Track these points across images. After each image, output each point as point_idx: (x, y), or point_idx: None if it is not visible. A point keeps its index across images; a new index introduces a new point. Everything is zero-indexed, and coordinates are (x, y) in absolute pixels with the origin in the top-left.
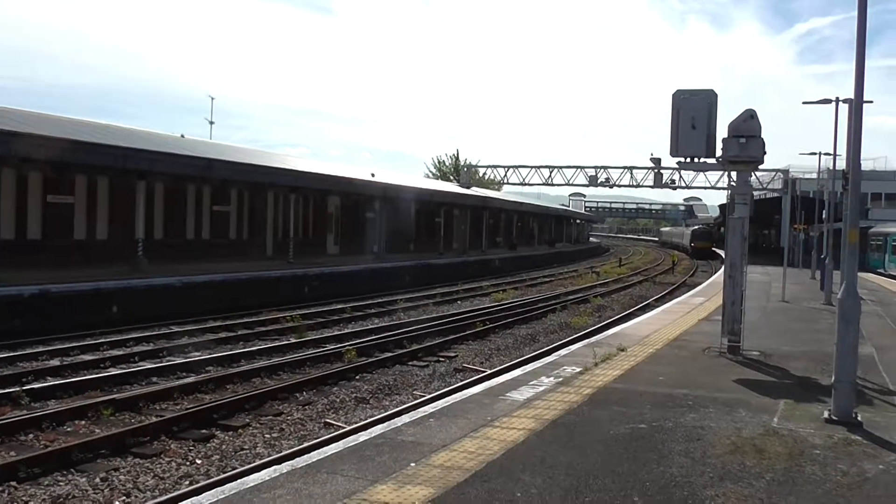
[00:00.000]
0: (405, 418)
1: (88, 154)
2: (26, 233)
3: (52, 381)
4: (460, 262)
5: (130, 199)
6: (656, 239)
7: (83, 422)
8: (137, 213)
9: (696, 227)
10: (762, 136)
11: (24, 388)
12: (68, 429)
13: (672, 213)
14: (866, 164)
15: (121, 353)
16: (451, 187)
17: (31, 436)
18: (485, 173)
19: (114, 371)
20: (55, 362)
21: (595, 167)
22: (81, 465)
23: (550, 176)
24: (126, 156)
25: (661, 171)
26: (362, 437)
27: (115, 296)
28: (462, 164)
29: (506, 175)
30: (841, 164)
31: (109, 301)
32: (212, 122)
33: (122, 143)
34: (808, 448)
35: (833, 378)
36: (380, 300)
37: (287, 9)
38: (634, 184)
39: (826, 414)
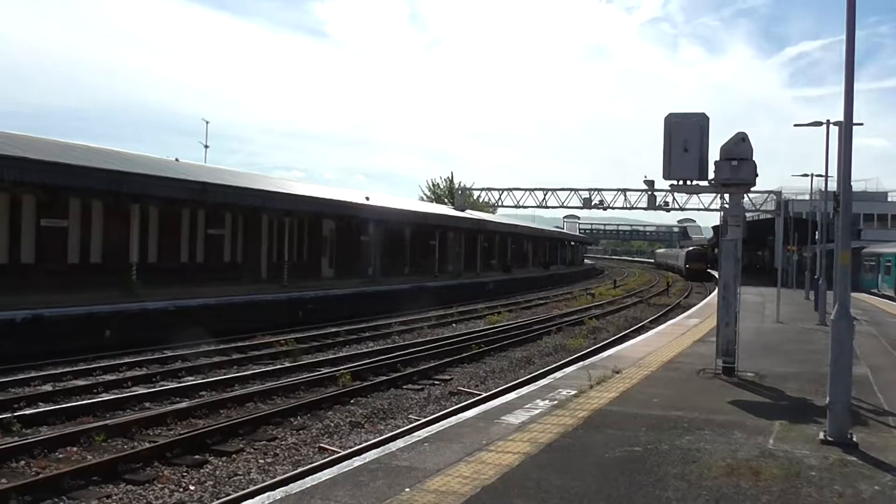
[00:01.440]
0: (400, 443)
1: (82, 178)
2: (20, 256)
3: (44, 407)
4: (455, 284)
5: (125, 222)
6: (651, 260)
7: (75, 448)
8: (132, 237)
9: (690, 248)
10: (754, 158)
11: (16, 414)
12: (60, 455)
13: (666, 235)
14: (858, 186)
15: (114, 377)
16: (446, 210)
17: (22, 462)
18: (479, 196)
19: (106, 396)
20: (47, 387)
21: (589, 189)
22: (73, 493)
23: (544, 198)
24: (120, 179)
25: (655, 193)
26: (357, 462)
27: (108, 320)
28: (456, 186)
29: (500, 198)
30: (832, 185)
31: (103, 325)
32: (206, 146)
33: (117, 166)
34: (804, 469)
35: (828, 399)
36: (374, 323)
37: (281, 33)
38: (628, 206)
39: (822, 435)
